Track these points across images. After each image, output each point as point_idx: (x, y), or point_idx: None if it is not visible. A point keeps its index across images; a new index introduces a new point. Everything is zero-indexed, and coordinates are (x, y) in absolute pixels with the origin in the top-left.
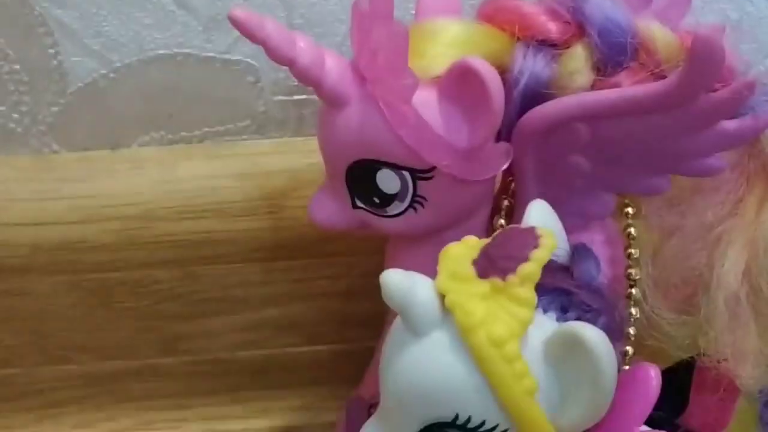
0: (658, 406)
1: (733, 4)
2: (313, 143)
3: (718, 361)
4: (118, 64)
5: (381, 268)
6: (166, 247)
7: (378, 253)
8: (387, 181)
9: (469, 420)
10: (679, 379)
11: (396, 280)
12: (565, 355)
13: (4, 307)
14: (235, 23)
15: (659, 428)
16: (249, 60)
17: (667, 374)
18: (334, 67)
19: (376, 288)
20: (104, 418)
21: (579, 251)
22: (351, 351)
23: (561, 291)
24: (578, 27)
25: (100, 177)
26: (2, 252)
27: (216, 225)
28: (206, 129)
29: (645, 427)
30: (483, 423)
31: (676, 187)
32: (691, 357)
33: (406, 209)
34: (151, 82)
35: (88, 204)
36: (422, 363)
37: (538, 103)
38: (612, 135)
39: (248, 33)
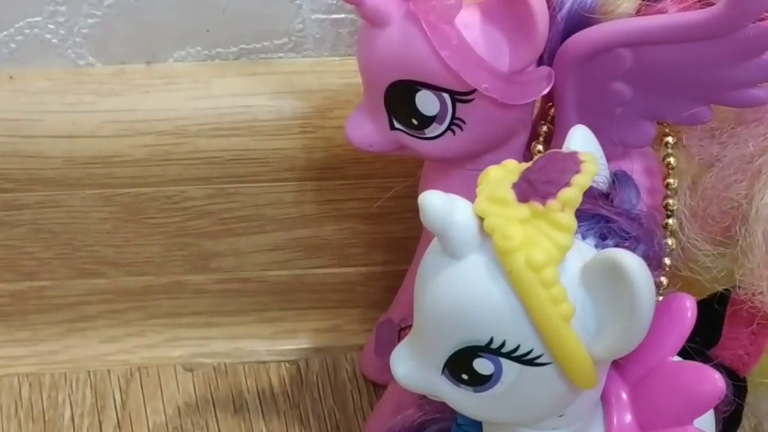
0: (691, 337)
1: None
2: (350, 63)
3: (753, 294)
4: None
5: (413, 192)
6: (199, 164)
7: (411, 177)
8: (426, 102)
9: (503, 344)
10: (713, 312)
11: (435, 202)
12: (603, 281)
13: (35, 219)
14: None
15: (692, 359)
16: None
17: (700, 306)
18: None
19: (408, 211)
20: (132, 333)
21: (620, 178)
22: (381, 274)
23: (600, 218)
24: None
25: (134, 91)
26: (35, 164)
27: (249, 143)
28: (242, 46)
29: (678, 358)
30: (518, 347)
31: (717, 117)
32: (726, 289)
33: (444, 132)
34: None
35: (122, 118)
36: (459, 285)
37: (582, 28)
38: (655, 62)
39: None
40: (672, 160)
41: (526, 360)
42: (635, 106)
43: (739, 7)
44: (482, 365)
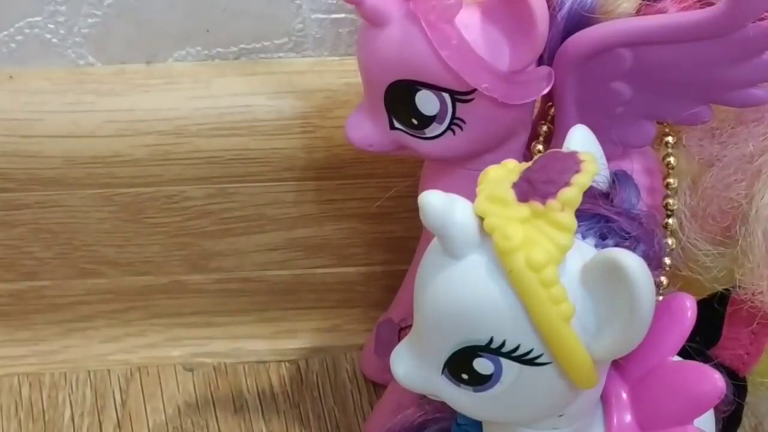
0: (691, 337)
1: None
2: (350, 63)
3: (753, 294)
4: None
5: (413, 192)
6: (199, 164)
7: (411, 177)
8: (426, 102)
9: (503, 344)
10: (713, 311)
11: (435, 201)
12: (603, 281)
13: (35, 219)
14: None
15: (692, 359)
16: None
17: (700, 306)
18: None
19: (408, 211)
20: (132, 333)
21: (620, 178)
22: (381, 273)
23: (600, 217)
24: None
25: (134, 91)
26: (35, 164)
27: (249, 143)
28: (242, 46)
29: (678, 358)
30: (518, 347)
31: (717, 117)
32: (726, 289)
33: (444, 131)
34: None
35: (122, 118)
36: (459, 285)
37: (582, 27)
38: (655, 62)
39: None
40: (672, 159)
41: (526, 360)
42: (635, 106)
43: (739, 7)
44: (482, 365)
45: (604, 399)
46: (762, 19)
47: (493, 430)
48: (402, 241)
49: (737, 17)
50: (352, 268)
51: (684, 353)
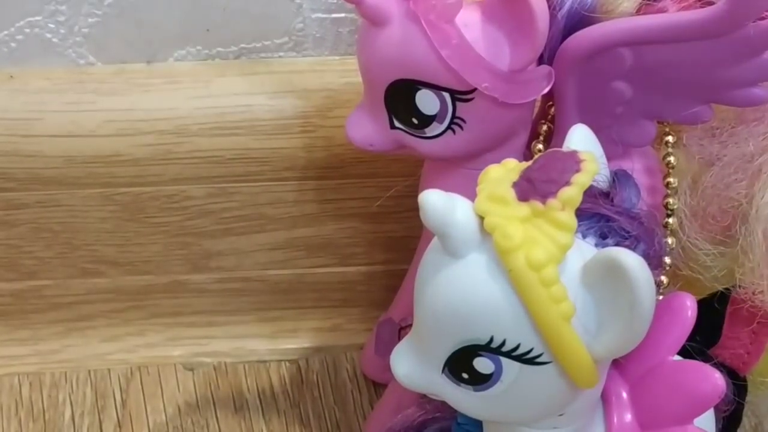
0: (692, 336)
1: None
2: (350, 62)
3: (754, 293)
4: None
5: (414, 191)
6: (199, 164)
7: (411, 176)
8: (426, 101)
9: (504, 343)
10: (713, 311)
11: (435, 201)
12: (603, 280)
13: (35, 218)
14: None
15: (692, 359)
16: None
17: (701, 305)
18: None
19: (408, 210)
20: (132, 333)
21: (620, 177)
22: (382, 273)
23: (601, 217)
24: None
25: (135, 91)
26: (36, 163)
27: (249, 142)
28: (243, 45)
29: (678, 357)
30: (518, 346)
31: (717, 116)
32: (726, 288)
33: (444, 131)
34: None
35: (123, 117)
36: (459, 285)
37: (582, 27)
38: (656, 62)
39: None
40: (672, 159)
41: (526, 359)
42: (635, 105)
43: (740, 6)
44: (482, 364)
45: (605, 398)
46: (762, 19)
47: (494, 429)
48: (403, 241)
49: (737, 17)
50: (352, 267)
51: (684, 352)
